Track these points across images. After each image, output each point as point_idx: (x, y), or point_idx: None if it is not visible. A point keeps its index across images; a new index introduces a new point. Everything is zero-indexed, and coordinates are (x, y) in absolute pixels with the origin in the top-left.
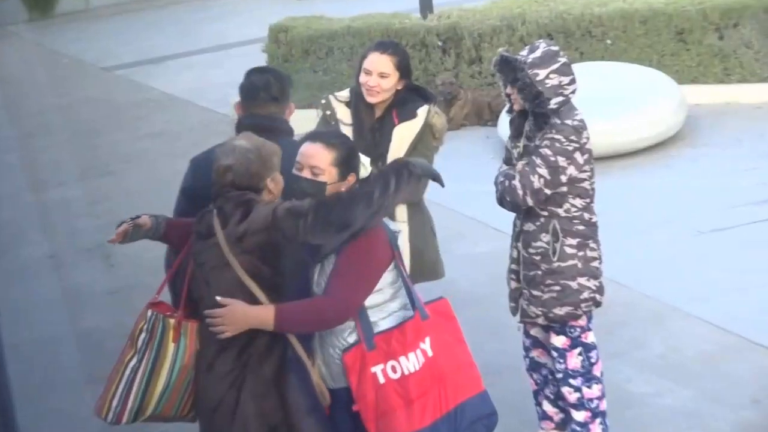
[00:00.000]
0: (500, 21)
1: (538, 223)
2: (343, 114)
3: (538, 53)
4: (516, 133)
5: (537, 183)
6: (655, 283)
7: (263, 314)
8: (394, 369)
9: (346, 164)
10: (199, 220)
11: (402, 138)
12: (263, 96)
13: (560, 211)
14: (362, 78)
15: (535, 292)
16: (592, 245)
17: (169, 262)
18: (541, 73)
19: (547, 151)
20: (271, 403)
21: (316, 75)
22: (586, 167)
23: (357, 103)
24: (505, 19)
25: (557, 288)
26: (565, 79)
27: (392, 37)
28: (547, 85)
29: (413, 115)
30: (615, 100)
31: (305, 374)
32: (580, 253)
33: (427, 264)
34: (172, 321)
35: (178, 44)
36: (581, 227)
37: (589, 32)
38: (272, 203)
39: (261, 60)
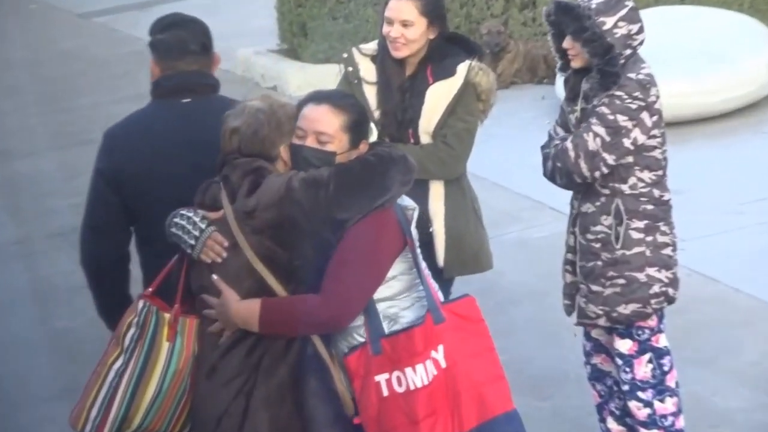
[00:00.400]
0: None
1: (597, 203)
2: (367, 71)
3: None
4: (572, 95)
5: (592, 143)
6: (748, 275)
7: (248, 311)
8: (399, 381)
9: (358, 129)
10: (203, 191)
11: (437, 100)
12: (193, 48)
13: (625, 187)
14: (384, 28)
15: (594, 287)
16: (664, 228)
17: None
18: (609, 22)
19: (605, 110)
20: (287, 412)
21: (335, 23)
22: (656, 131)
23: (383, 58)
24: None
25: (621, 281)
26: (634, 28)
27: None
28: (616, 36)
29: (451, 72)
30: (696, 53)
31: (327, 377)
32: (649, 238)
33: (467, 253)
34: (167, 316)
35: None
36: (650, 207)
37: None
38: (287, 173)
39: (269, 4)
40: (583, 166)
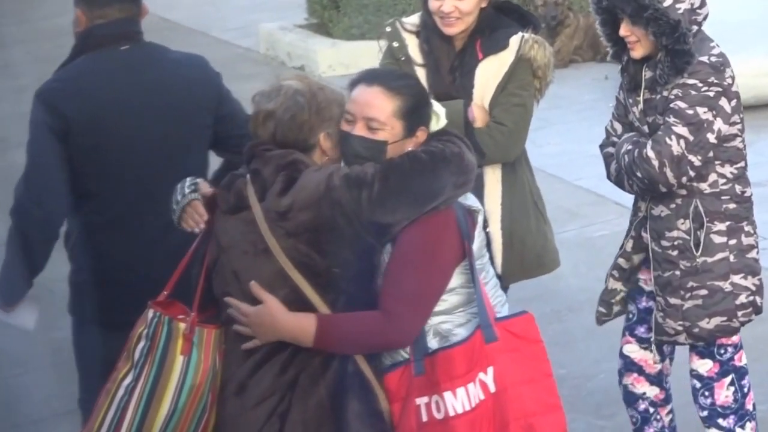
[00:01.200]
0: None
1: (673, 206)
2: (415, 50)
3: None
4: (633, 85)
5: (677, 147)
6: None
7: (300, 326)
8: (437, 406)
9: (414, 116)
10: (227, 186)
11: (488, 77)
12: None
13: (704, 186)
14: (433, 4)
15: (672, 300)
16: (748, 229)
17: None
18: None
19: (681, 104)
20: None
21: None
22: (736, 117)
23: (429, 37)
24: None
25: (703, 292)
26: (696, 1)
27: None
28: (680, 11)
29: (503, 46)
30: (743, 35)
31: (371, 397)
32: (732, 242)
33: (528, 256)
34: (182, 326)
35: None
36: (732, 205)
37: None
38: (326, 168)
39: None
40: (670, 175)
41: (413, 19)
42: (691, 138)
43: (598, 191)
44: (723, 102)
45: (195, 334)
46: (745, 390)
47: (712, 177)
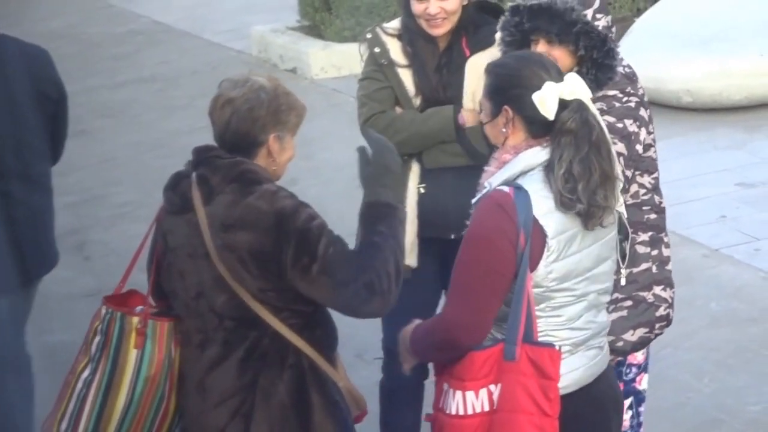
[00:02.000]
0: None
1: None
2: (397, 53)
3: None
4: None
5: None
6: None
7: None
8: (444, 399)
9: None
10: (172, 186)
11: (478, 73)
12: None
13: (626, 197)
14: (416, 7)
15: None
16: (666, 240)
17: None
18: (588, 14)
19: (609, 118)
20: None
21: None
22: (651, 127)
23: (412, 39)
24: None
25: (628, 303)
26: (609, 19)
27: None
28: (599, 28)
29: (490, 41)
30: (735, 36)
31: (329, 388)
32: (655, 252)
33: None
34: (134, 320)
35: None
36: (653, 215)
37: None
38: (280, 196)
39: None
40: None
41: (393, 24)
42: (626, 153)
43: None
44: (642, 112)
45: (148, 327)
46: (641, 419)
47: (634, 188)
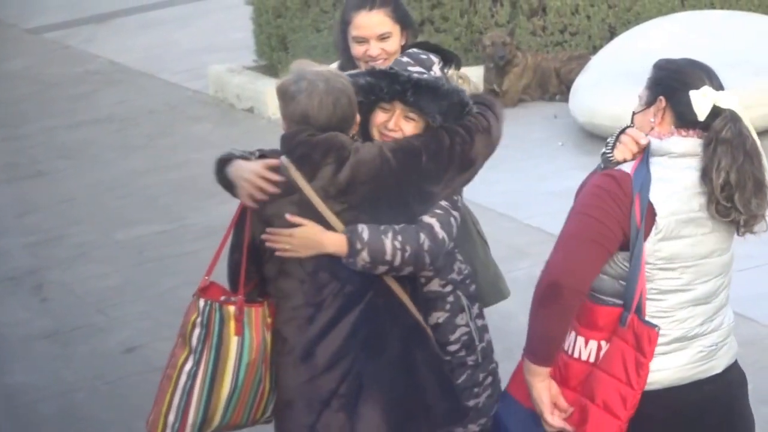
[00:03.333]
0: None
1: (448, 306)
2: None
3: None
4: None
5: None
6: None
7: None
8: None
9: (652, 86)
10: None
11: None
12: None
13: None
14: (356, 50)
15: (472, 403)
16: None
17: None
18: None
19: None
20: (401, 387)
21: (319, 35)
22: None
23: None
24: None
25: (490, 380)
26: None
27: None
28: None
29: None
30: (732, 63)
31: (430, 343)
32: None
33: (483, 285)
34: (232, 309)
35: None
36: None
37: None
38: (373, 144)
39: (244, 14)
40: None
41: (332, 68)
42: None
43: (548, 230)
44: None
45: (244, 315)
46: None
47: (457, 266)
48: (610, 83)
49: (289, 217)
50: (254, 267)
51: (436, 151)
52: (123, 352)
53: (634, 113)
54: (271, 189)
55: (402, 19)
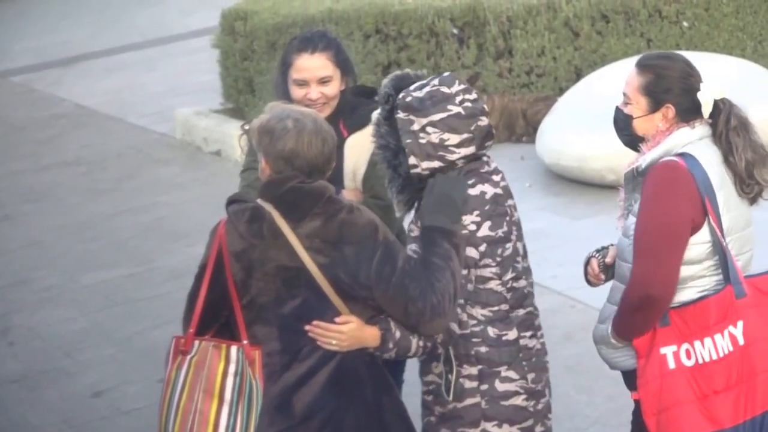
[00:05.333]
0: None
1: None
2: None
3: (422, 92)
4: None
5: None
6: None
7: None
8: (688, 354)
9: (657, 94)
10: (254, 218)
11: (358, 153)
12: None
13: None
14: (297, 93)
15: None
16: (506, 374)
17: None
18: (416, 123)
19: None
20: None
21: None
22: (488, 261)
23: None
24: None
25: None
26: (453, 138)
27: (390, 24)
28: (422, 141)
29: (366, 122)
30: None
31: (394, 389)
32: (484, 387)
33: None
34: (256, 354)
35: (97, 38)
36: (484, 349)
37: (659, 12)
38: (367, 213)
39: (211, 58)
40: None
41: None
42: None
43: None
44: (469, 251)
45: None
46: None
47: (463, 317)
48: (577, 124)
49: (338, 319)
50: (225, 312)
51: (405, 280)
52: (91, 396)
53: (632, 117)
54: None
55: (343, 64)
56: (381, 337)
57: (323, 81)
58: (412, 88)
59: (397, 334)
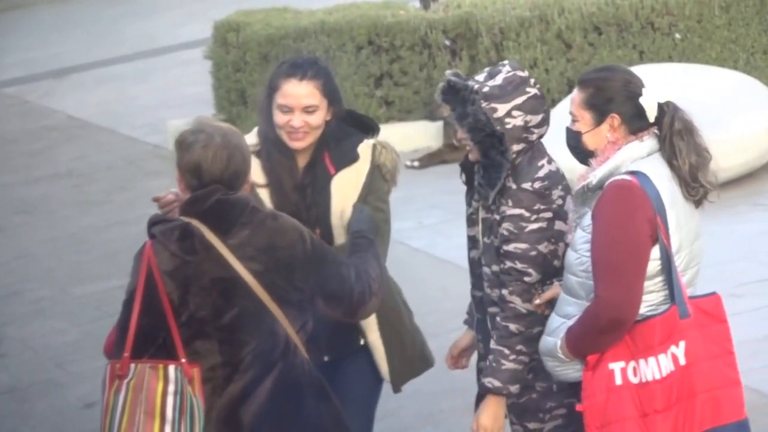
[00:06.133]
0: (529, 11)
1: None
2: (256, 170)
3: (498, 80)
4: (469, 185)
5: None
6: (747, 366)
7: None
8: (635, 371)
9: (600, 106)
10: (184, 235)
11: (346, 191)
12: None
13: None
14: (280, 118)
15: (532, 426)
16: None
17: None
18: (501, 109)
19: (521, 246)
20: None
21: None
22: (570, 237)
23: (270, 152)
24: (536, 8)
25: (562, 411)
26: (534, 119)
27: (382, 36)
28: (508, 126)
29: (354, 157)
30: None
31: (331, 396)
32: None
33: (411, 354)
34: (195, 371)
35: (89, 50)
36: None
37: (652, 24)
38: (289, 219)
39: (203, 69)
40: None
41: (251, 139)
42: (537, 274)
43: None
44: (559, 225)
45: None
46: None
47: None
48: None
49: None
50: (162, 333)
51: (342, 279)
52: (82, 408)
53: (580, 133)
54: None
55: (331, 94)
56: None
57: (308, 110)
58: (481, 79)
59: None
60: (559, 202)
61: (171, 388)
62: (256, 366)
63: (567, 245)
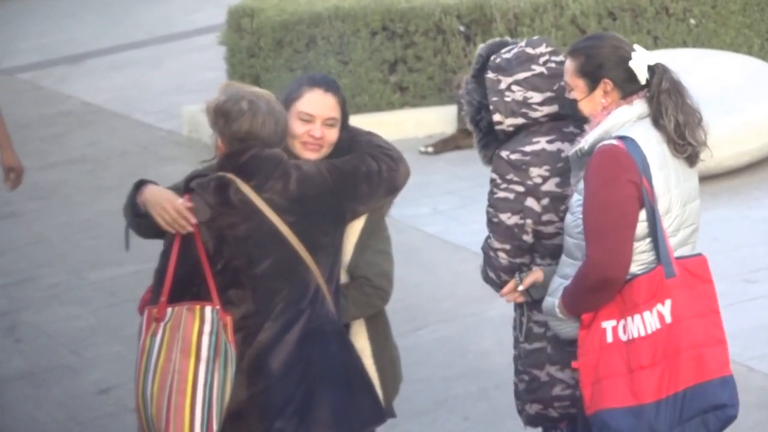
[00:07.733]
0: None
1: None
2: None
3: (510, 54)
4: None
5: (504, 259)
6: (762, 352)
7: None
8: (624, 329)
9: (593, 73)
10: (217, 187)
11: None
12: None
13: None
14: (297, 128)
15: (514, 378)
16: None
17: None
18: (503, 81)
19: (489, 209)
20: (343, 389)
21: (292, 75)
22: (551, 216)
23: None
24: None
25: (526, 377)
26: (535, 96)
27: (396, 21)
28: (507, 99)
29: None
30: (702, 102)
31: (352, 345)
32: (550, 333)
33: (395, 373)
34: (228, 318)
35: (103, 36)
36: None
37: (666, 9)
38: (314, 162)
39: (217, 55)
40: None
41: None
42: (508, 246)
43: None
44: (530, 202)
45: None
46: None
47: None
48: None
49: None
50: (198, 282)
51: (367, 173)
52: (97, 393)
53: (576, 101)
54: (188, 227)
55: (345, 116)
56: None
57: (329, 122)
58: (503, 51)
59: None
60: (538, 180)
61: (207, 328)
62: (287, 314)
63: (539, 225)
